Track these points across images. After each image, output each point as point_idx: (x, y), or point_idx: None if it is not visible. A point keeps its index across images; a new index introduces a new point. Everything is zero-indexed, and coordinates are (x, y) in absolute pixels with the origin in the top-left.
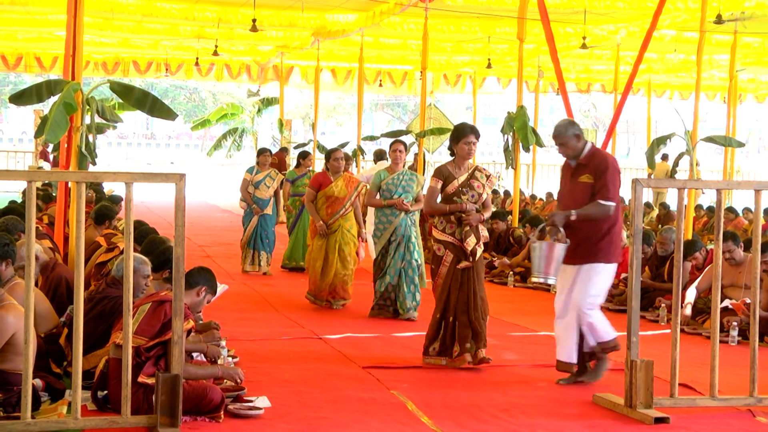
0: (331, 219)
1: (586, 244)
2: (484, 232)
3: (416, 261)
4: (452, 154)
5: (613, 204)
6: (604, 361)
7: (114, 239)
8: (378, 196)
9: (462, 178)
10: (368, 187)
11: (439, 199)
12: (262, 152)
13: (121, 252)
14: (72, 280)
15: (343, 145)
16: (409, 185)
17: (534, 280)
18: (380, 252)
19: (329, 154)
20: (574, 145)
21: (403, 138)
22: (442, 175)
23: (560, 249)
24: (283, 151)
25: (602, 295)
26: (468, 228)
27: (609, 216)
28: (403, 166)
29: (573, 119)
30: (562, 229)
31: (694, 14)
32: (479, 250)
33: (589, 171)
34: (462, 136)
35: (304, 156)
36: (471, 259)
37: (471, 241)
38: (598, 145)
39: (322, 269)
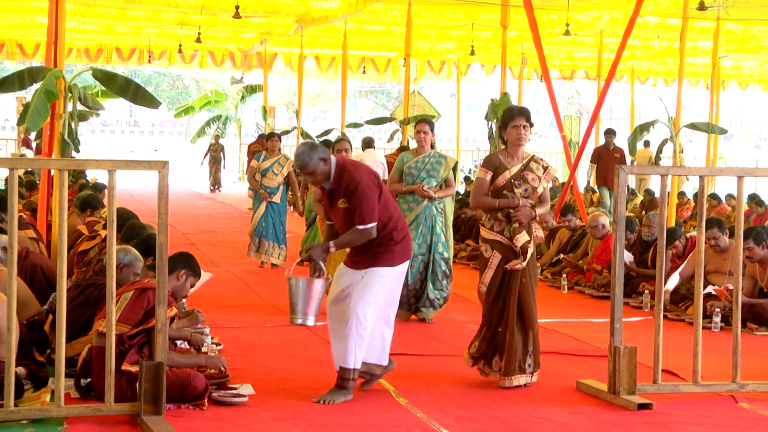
0: None
1: (366, 252)
2: (538, 232)
3: (441, 255)
4: (504, 142)
5: (371, 225)
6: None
7: (96, 227)
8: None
9: (514, 170)
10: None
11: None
12: (270, 137)
13: (104, 240)
14: (47, 267)
15: (327, 132)
16: (435, 169)
17: (293, 322)
18: None
19: (333, 145)
20: (322, 170)
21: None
22: (492, 165)
23: (319, 286)
24: (262, 137)
25: (384, 302)
26: (518, 225)
27: (372, 236)
28: (432, 148)
29: (313, 142)
30: (322, 264)
31: (677, 1)
32: (531, 249)
33: (342, 195)
34: (509, 119)
35: (326, 145)
36: (522, 259)
37: (521, 238)
38: (581, 133)
39: None
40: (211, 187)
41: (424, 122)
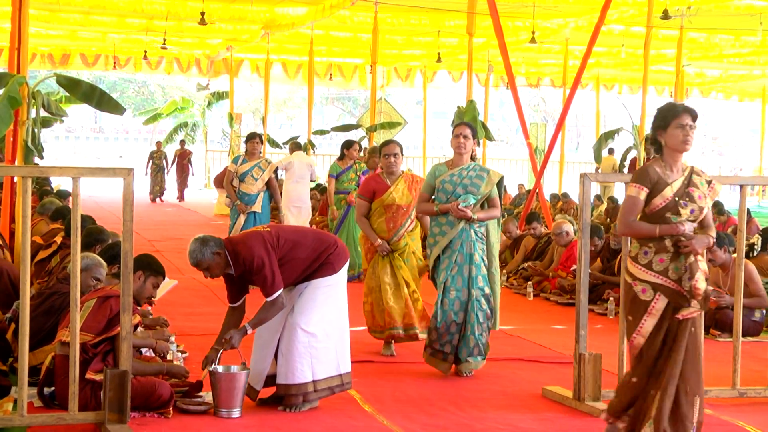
0: (394, 236)
1: (306, 277)
2: (702, 264)
3: (481, 291)
4: (657, 150)
5: (277, 294)
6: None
7: (57, 237)
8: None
9: (677, 185)
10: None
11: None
12: (250, 138)
13: (60, 247)
14: (13, 273)
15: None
16: (474, 184)
17: (218, 415)
18: (432, 272)
19: (380, 150)
20: (218, 263)
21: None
22: (649, 180)
23: (243, 377)
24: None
25: (335, 311)
26: (693, 260)
27: (283, 304)
28: (472, 159)
29: (204, 237)
30: (228, 349)
31: (642, 9)
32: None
33: (248, 276)
34: (673, 117)
35: (348, 146)
36: (699, 305)
37: (701, 282)
38: (547, 140)
39: (394, 298)
40: (152, 197)
41: (464, 125)
